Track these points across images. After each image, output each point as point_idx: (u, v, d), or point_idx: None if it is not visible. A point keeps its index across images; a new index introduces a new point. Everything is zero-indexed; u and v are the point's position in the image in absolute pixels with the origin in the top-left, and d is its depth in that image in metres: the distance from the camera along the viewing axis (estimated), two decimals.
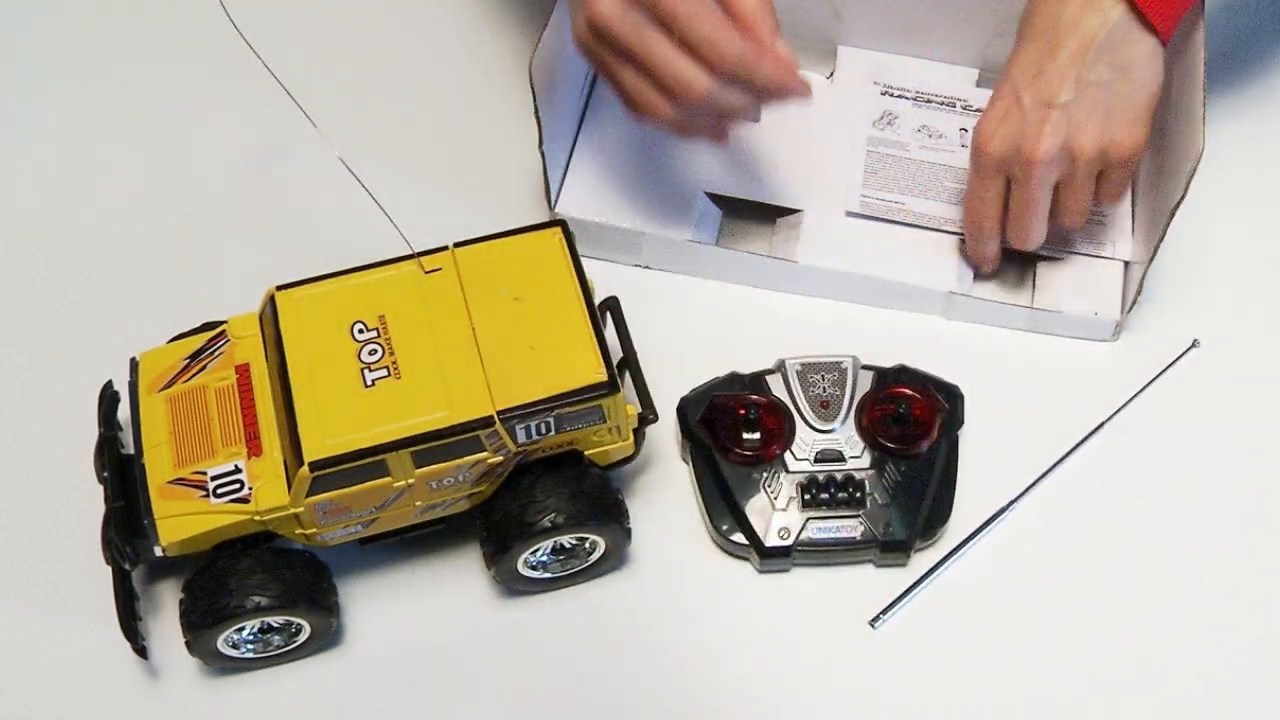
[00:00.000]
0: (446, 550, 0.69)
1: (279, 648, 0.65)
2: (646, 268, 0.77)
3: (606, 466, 0.67)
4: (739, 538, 0.67)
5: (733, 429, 0.69)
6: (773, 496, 0.68)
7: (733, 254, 0.76)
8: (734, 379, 0.71)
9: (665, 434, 0.71)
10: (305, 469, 0.60)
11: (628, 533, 0.66)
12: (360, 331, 0.63)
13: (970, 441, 0.71)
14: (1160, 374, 0.73)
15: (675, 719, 0.65)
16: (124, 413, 0.67)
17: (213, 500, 0.62)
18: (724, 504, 0.68)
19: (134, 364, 0.66)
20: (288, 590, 0.62)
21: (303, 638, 0.65)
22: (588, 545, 0.66)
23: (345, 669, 0.66)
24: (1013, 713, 0.65)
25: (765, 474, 0.68)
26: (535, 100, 0.70)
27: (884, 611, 0.67)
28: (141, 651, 0.64)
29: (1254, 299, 0.77)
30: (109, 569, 0.63)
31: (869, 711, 0.65)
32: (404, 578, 0.68)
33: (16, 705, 0.66)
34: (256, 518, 0.61)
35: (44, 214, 0.81)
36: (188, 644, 0.63)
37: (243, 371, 0.65)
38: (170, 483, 0.62)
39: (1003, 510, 0.69)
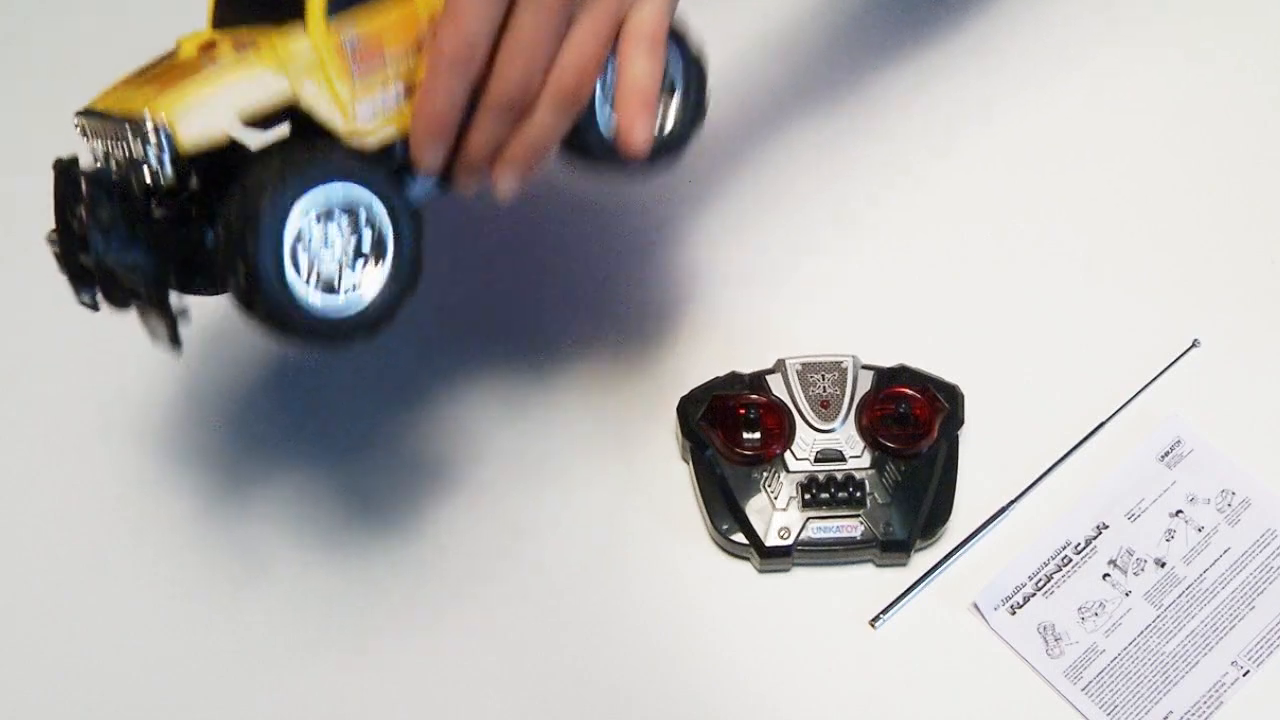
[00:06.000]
0: (446, 550, 0.69)
1: (358, 246, 0.53)
2: None
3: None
4: (739, 538, 0.67)
5: (733, 429, 0.69)
6: (773, 496, 0.68)
7: None
8: (734, 379, 0.71)
9: (665, 434, 0.71)
10: None
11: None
12: None
13: (970, 441, 0.71)
14: (1160, 374, 0.73)
15: (674, 719, 0.66)
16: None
17: (215, 66, 0.52)
18: (724, 504, 0.68)
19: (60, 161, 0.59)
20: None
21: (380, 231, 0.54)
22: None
23: (347, 669, 0.67)
24: (1012, 712, 0.65)
25: (765, 474, 0.68)
26: None
27: (884, 611, 0.67)
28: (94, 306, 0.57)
29: (1254, 299, 0.77)
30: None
31: (869, 711, 0.65)
32: (404, 578, 0.69)
33: (17, 708, 0.66)
34: (273, 68, 0.52)
35: (44, 213, 0.81)
36: (247, 300, 0.51)
37: (206, 47, 0.57)
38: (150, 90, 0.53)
39: (1003, 510, 0.69)
